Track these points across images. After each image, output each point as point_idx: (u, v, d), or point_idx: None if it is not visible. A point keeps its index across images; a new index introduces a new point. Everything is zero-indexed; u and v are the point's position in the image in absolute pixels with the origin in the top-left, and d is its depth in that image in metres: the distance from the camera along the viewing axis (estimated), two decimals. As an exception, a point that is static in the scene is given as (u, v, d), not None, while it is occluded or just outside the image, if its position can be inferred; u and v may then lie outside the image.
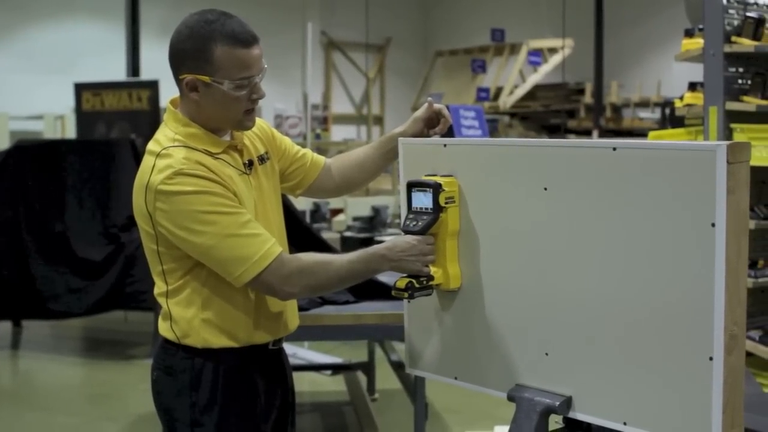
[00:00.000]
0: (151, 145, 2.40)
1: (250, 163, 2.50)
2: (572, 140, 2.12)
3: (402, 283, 2.35)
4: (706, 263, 1.82)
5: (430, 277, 2.38)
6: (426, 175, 2.40)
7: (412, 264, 2.36)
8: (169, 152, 2.35)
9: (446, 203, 2.35)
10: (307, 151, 2.80)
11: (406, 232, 2.38)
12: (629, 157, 1.95)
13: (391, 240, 2.41)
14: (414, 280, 2.35)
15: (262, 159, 2.56)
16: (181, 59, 2.37)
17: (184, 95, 2.42)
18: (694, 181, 1.83)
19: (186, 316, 2.43)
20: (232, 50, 2.32)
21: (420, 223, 2.38)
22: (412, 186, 2.39)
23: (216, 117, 2.41)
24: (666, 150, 1.90)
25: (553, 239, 2.10)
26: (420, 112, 2.65)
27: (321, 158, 2.81)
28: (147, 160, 2.38)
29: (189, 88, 2.38)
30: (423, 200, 2.37)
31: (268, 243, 2.33)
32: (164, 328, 2.49)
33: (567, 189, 2.07)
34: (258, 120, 2.61)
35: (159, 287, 2.48)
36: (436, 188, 2.35)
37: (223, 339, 2.44)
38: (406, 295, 2.36)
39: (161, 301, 2.48)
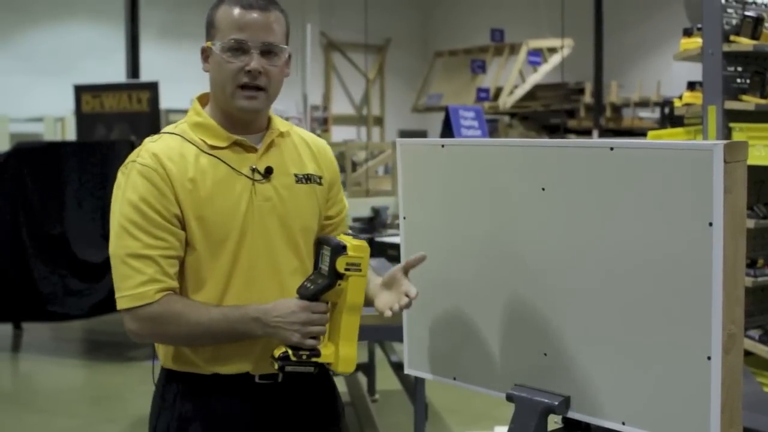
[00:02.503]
0: None
1: (268, 171, 2.27)
2: (570, 140, 2.12)
3: (278, 352, 2.11)
4: (703, 262, 1.82)
5: (315, 352, 2.11)
6: (344, 234, 2.21)
7: (289, 334, 2.10)
8: (154, 138, 2.26)
9: (347, 270, 2.08)
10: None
11: (298, 295, 2.14)
12: (627, 156, 1.95)
13: (274, 302, 2.15)
14: (291, 352, 2.09)
15: (307, 178, 2.35)
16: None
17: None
18: (692, 180, 1.82)
19: None
20: (230, 9, 2.21)
21: (312, 288, 2.11)
22: (320, 242, 2.17)
23: (216, 91, 2.27)
24: (663, 150, 1.89)
25: (551, 239, 2.10)
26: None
27: None
28: None
29: (203, 59, 2.28)
30: (326, 260, 2.12)
31: (147, 287, 2.13)
32: None
33: (565, 189, 2.06)
34: (329, 150, 2.47)
35: None
36: (337, 250, 2.09)
37: (187, 359, 2.25)
38: (276, 366, 2.11)
39: None
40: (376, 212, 7.95)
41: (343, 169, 13.31)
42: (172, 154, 2.20)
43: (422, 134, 18.17)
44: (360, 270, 2.09)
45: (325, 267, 2.11)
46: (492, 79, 14.39)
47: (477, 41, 15.54)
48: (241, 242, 2.23)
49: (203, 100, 2.35)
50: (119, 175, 2.21)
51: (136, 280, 2.14)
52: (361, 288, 2.11)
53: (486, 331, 2.31)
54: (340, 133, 17.36)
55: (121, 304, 2.16)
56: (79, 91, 9.90)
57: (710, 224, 1.80)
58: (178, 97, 13.53)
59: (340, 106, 18.46)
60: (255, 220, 2.25)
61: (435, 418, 5.78)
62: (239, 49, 2.19)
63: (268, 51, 2.22)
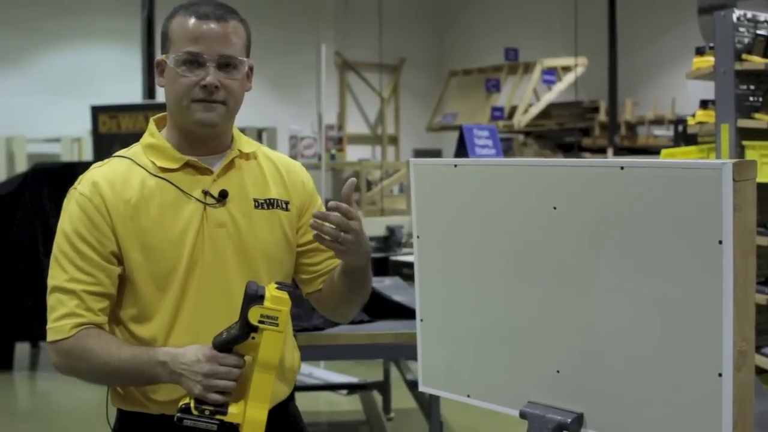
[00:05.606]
0: None
1: (222, 195, 2.13)
2: (580, 159, 2.14)
3: (182, 402, 1.93)
4: (713, 280, 1.83)
5: (220, 409, 1.90)
6: (276, 283, 1.97)
7: (192, 384, 1.93)
8: (102, 162, 2.16)
9: (261, 322, 1.87)
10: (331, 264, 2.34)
11: (212, 343, 1.95)
12: (637, 176, 1.97)
13: (186, 347, 1.99)
14: (193, 404, 1.91)
15: (268, 203, 2.20)
16: None
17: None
18: (701, 199, 1.85)
19: None
20: (184, 19, 2.06)
21: (224, 337, 1.93)
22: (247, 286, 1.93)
23: (171, 107, 2.13)
24: (673, 169, 1.92)
25: (562, 258, 2.12)
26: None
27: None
28: None
29: (158, 73, 2.14)
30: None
31: (64, 321, 2.04)
32: None
33: (576, 208, 2.09)
34: (301, 172, 2.31)
35: None
36: (251, 299, 1.88)
37: (125, 398, 2.14)
38: (175, 417, 1.92)
39: None
40: (391, 231, 7.98)
41: (357, 189, 13.36)
42: (115, 180, 2.09)
43: (437, 153, 18.22)
44: (276, 325, 1.88)
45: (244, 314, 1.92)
46: (506, 98, 14.41)
47: (491, 60, 15.57)
48: (190, 272, 2.09)
49: (161, 121, 2.24)
50: (64, 200, 2.12)
51: (57, 313, 2.05)
52: (276, 345, 1.89)
53: (499, 348, 2.32)
54: (355, 153, 17.40)
55: (49, 335, 2.07)
56: (96, 111, 9.97)
57: (720, 242, 1.82)
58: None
59: (355, 125, 18.51)
60: (206, 248, 2.10)
61: (450, 437, 5.78)
62: (194, 62, 2.06)
63: (225, 64, 2.08)
